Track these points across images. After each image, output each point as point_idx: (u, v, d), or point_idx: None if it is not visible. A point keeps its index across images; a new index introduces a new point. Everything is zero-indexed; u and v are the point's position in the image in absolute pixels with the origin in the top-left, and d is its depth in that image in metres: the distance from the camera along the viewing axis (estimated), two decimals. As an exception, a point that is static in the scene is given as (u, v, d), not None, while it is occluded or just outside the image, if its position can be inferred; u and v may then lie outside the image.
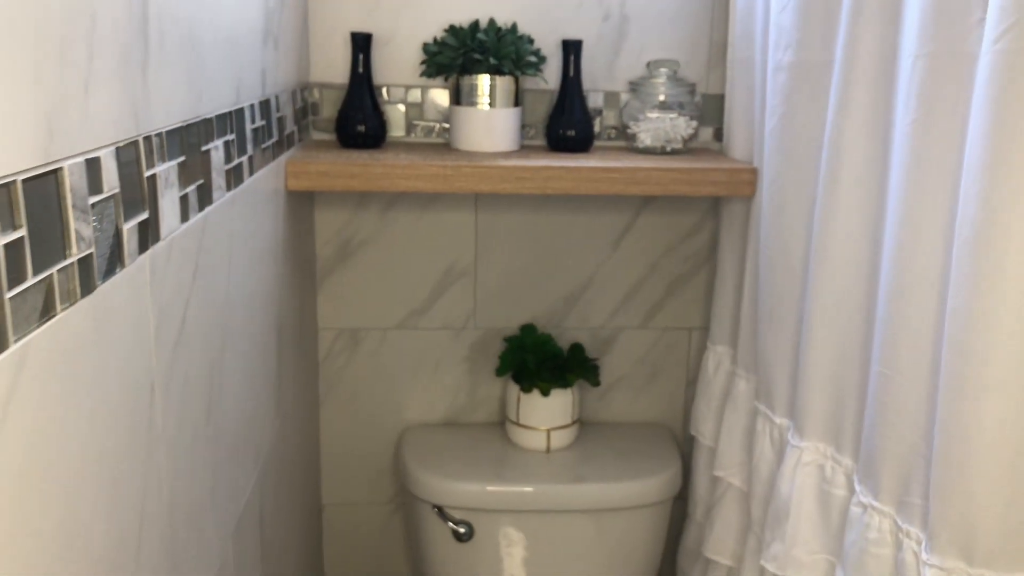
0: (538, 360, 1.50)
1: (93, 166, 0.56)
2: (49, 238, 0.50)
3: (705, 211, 1.59)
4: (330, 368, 1.59)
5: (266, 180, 1.11)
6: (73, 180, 0.53)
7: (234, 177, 0.93)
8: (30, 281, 0.48)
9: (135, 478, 0.64)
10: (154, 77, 0.68)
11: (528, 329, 1.56)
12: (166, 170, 0.71)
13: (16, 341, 0.46)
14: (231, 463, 0.94)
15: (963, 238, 0.82)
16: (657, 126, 1.46)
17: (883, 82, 1.00)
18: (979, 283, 0.79)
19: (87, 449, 0.56)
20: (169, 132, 0.71)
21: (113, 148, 0.59)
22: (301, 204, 1.39)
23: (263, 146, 1.09)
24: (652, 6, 1.51)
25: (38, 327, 0.49)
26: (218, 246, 0.87)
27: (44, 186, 0.49)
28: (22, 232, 0.47)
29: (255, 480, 1.06)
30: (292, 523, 1.33)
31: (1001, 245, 0.78)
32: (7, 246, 0.45)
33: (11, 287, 0.46)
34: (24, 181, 0.47)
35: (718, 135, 1.56)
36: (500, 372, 1.53)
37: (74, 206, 0.53)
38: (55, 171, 0.50)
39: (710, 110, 1.55)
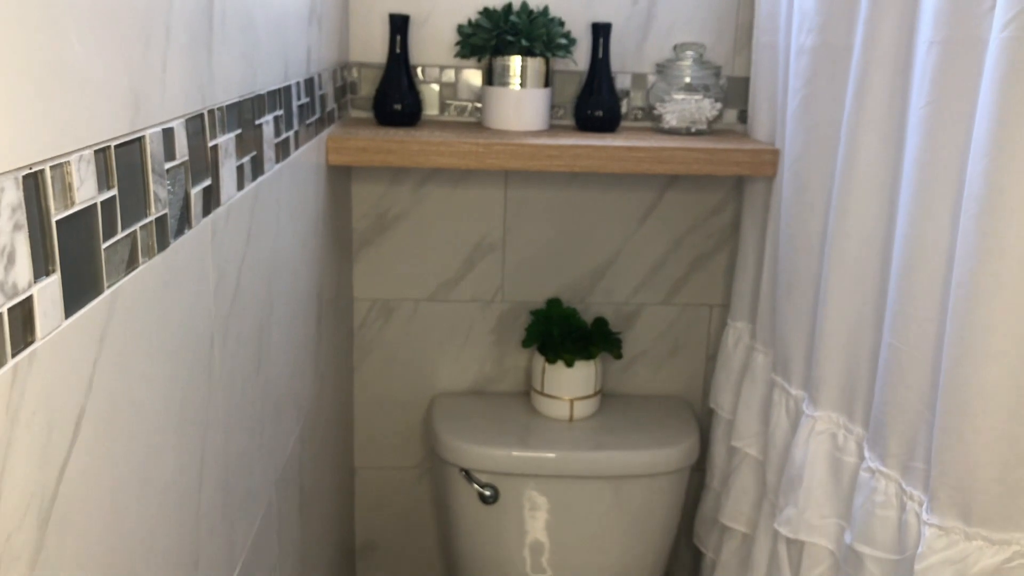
0: (563, 333, 1.56)
1: (168, 136, 0.63)
2: (133, 198, 0.57)
3: (729, 190, 1.64)
4: (364, 337, 1.67)
5: (309, 154, 1.18)
6: (153, 148, 0.59)
7: (282, 150, 1.00)
8: (120, 235, 0.54)
9: (198, 415, 0.71)
10: (217, 55, 0.74)
11: (554, 303, 1.62)
12: (226, 141, 0.77)
13: (109, 287, 0.53)
14: (276, 415, 1.01)
15: (969, 214, 0.86)
16: (683, 107, 1.51)
17: (900, 66, 1.04)
18: (982, 257, 0.84)
19: (161, 384, 0.63)
20: (228, 106, 0.78)
21: (183, 120, 0.66)
22: (339, 178, 1.45)
23: (307, 122, 1.15)
24: (680, -10, 1.55)
25: (125, 276, 0.55)
26: (267, 214, 0.94)
27: (131, 153, 0.56)
28: (114, 192, 0.53)
29: (296, 435, 1.14)
30: (327, 481, 1.41)
31: (1004, 221, 0.82)
32: (103, 203, 0.52)
33: (105, 239, 0.52)
34: (116, 147, 0.53)
35: (742, 117, 1.60)
36: (526, 344, 1.60)
37: (153, 171, 0.60)
38: (139, 139, 0.57)
39: (735, 92, 1.59)
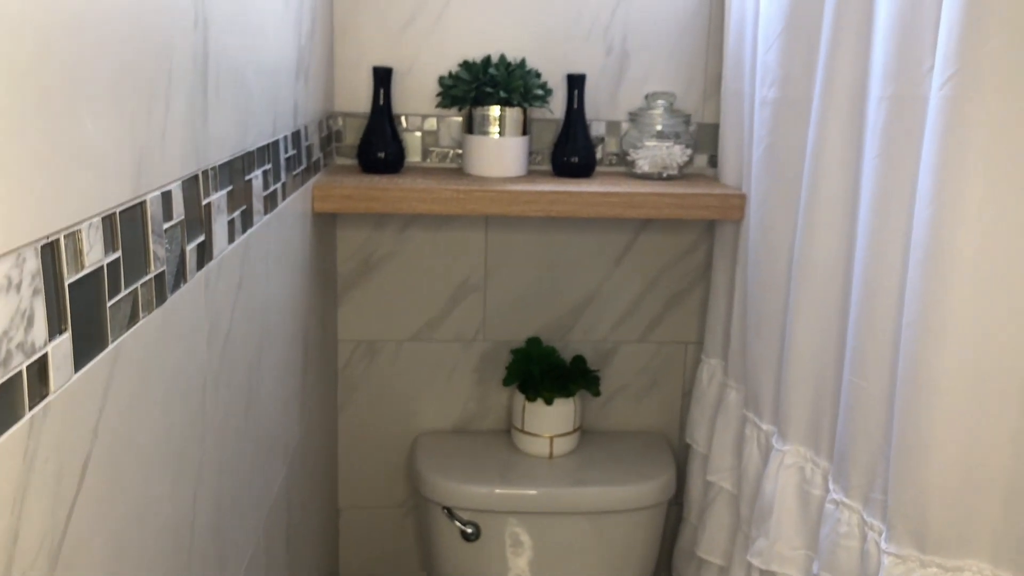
0: (542, 371, 1.61)
1: (167, 198, 0.67)
2: (135, 258, 0.61)
3: (701, 231, 1.70)
4: (349, 377, 1.71)
5: (296, 203, 1.23)
6: (153, 210, 0.64)
7: (270, 202, 1.05)
8: (123, 293, 0.59)
9: (191, 459, 0.75)
10: (212, 118, 0.79)
11: (534, 342, 1.67)
12: (218, 198, 0.82)
13: (113, 341, 0.57)
14: (264, 457, 1.05)
15: (916, 259, 0.92)
16: (654, 154, 1.58)
17: (855, 119, 1.11)
18: (928, 300, 0.90)
19: (158, 430, 0.67)
20: (221, 165, 0.83)
21: (180, 182, 0.71)
22: (325, 223, 1.50)
23: (294, 173, 1.21)
24: (651, 42, 1.62)
25: (127, 330, 0.60)
26: (256, 264, 0.99)
27: (133, 216, 0.61)
28: (118, 254, 0.58)
29: (283, 476, 1.17)
30: (312, 521, 1.44)
31: (947, 266, 0.88)
32: (109, 265, 0.56)
33: (110, 297, 0.57)
34: (121, 212, 0.58)
35: (712, 161, 1.67)
36: (507, 382, 1.64)
37: (153, 231, 0.64)
38: (141, 203, 0.62)
39: (705, 138, 1.66)
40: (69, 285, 0.51)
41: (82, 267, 0.53)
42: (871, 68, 1.06)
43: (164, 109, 0.67)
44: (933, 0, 0.92)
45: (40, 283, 0.47)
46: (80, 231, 0.52)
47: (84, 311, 0.53)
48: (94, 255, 0.54)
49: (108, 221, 0.56)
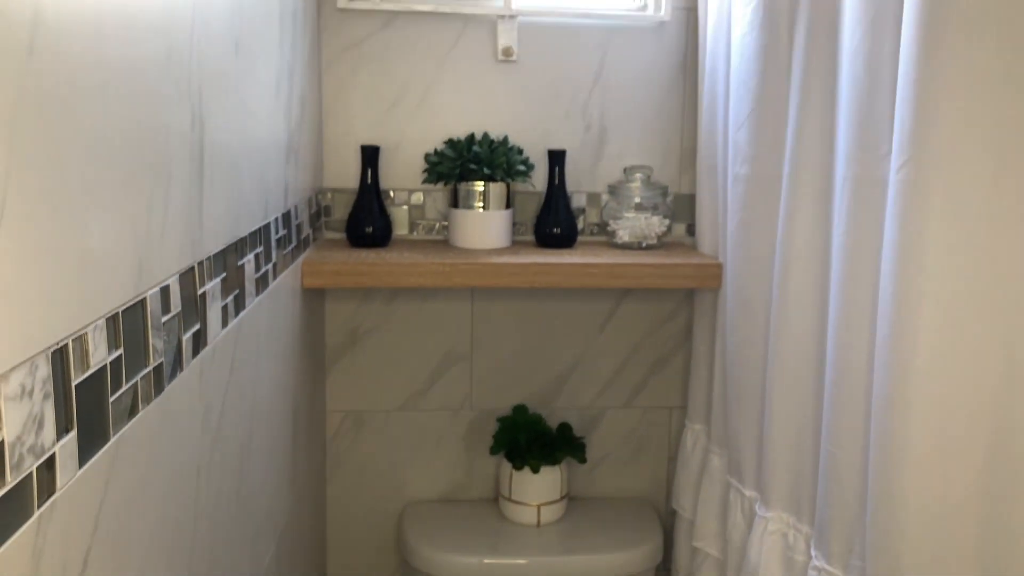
0: (529, 439, 1.63)
1: (165, 292, 0.71)
2: (136, 353, 0.64)
3: (681, 299, 1.75)
4: (337, 448, 1.72)
5: (286, 280, 1.27)
6: (152, 306, 0.68)
7: (262, 283, 1.09)
8: (124, 388, 0.62)
9: (185, 544, 0.77)
10: (207, 211, 0.83)
11: (520, 410, 1.69)
12: (213, 286, 0.86)
13: (114, 435, 0.60)
14: (254, 536, 1.06)
15: (882, 334, 0.96)
16: (634, 224, 1.63)
17: (822, 197, 1.16)
18: (894, 373, 0.94)
19: (154, 517, 0.69)
20: (215, 255, 0.87)
21: (178, 275, 0.74)
22: (314, 297, 1.54)
23: (284, 252, 1.25)
24: (628, 118, 1.69)
25: (127, 423, 0.63)
26: (248, 344, 1.02)
27: (135, 314, 0.64)
28: (120, 351, 0.61)
29: (272, 553, 1.18)
30: (302, 593, 1.44)
31: (910, 340, 0.92)
32: (111, 363, 0.60)
33: (112, 392, 0.60)
34: (123, 312, 0.62)
35: (691, 230, 1.72)
36: (494, 451, 1.66)
37: (152, 326, 0.68)
38: (142, 300, 0.65)
39: (682, 208, 1.72)
40: (76, 386, 0.54)
41: (88, 367, 0.56)
42: (836, 149, 1.12)
43: (164, 208, 0.70)
44: (888, 88, 0.98)
45: (50, 387, 0.50)
46: (87, 333, 0.55)
47: (88, 409, 0.56)
48: (99, 355, 0.57)
49: (112, 321, 0.59)
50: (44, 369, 0.49)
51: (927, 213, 0.91)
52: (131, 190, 0.63)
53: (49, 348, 0.50)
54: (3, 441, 0.45)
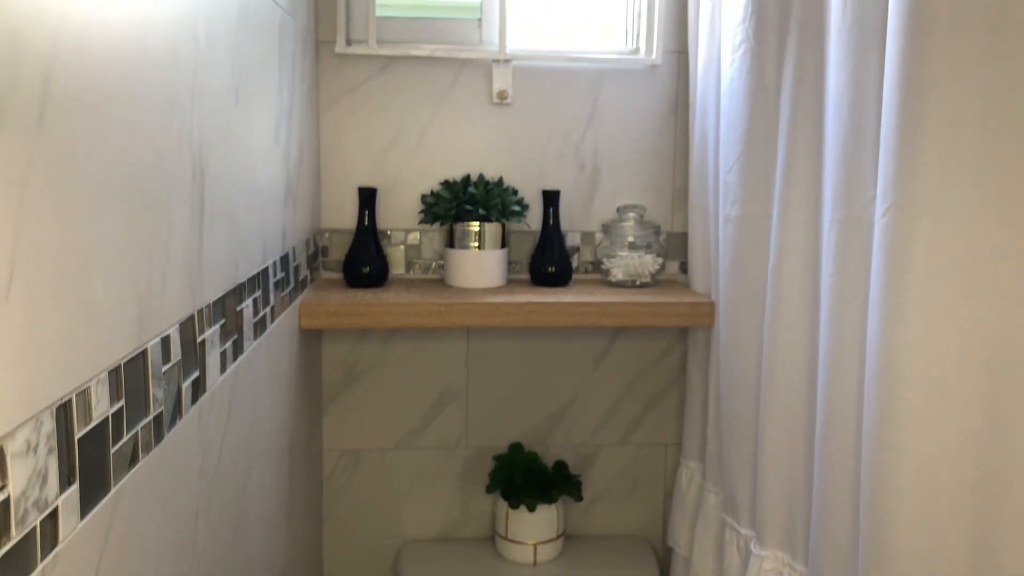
0: (525, 477, 1.63)
1: (165, 342, 0.72)
2: (137, 403, 0.66)
3: (674, 335, 1.76)
4: (333, 487, 1.72)
5: (284, 322, 1.28)
6: (153, 356, 0.69)
7: (260, 327, 1.10)
8: (125, 438, 0.63)
9: (183, 591, 0.78)
10: (206, 259, 0.85)
11: (515, 448, 1.70)
12: (212, 333, 0.87)
13: (115, 485, 0.61)
14: (251, 578, 1.07)
15: (871, 372, 0.98)
16: (627, 263, 1.65)
17: (811, 238, 1.19)
18: (883, 410, 0.95)
19: (152, 564, 0.70)
20: (214, 302, 0.88)
21: (178, 325, 0.76)
22: (311, 337, 1.55)
23: (282, 294, 1.26)
24: (621, 158, 1.72)
25: (127, 472, 0.64)
26: (246, 388, 1.03)
27: (136, 365, 0.65)
28: (122, 402, 0.63)
29: (269, 593, 1.18)
30: (298, 635, 1.44)
31: (898, 378, 0.94)
32: (113, 414, 0.61)
33: (113, 443, 0.61)
34: (125, 364, 0.63)
35: (684, 268, 1.75)
36: (490, 489, 1.67)
37: (153, 376, 0.69)
38: (143, 352, 0.67)
39: (675, 246, 1.74)
40: (79, 440, 0.55)
41: (90, 420, 0.57)
42: (823, 192, 1.14)
43: (165, 259, 0.72)
44: (872, 134, 1.01)
45: (54, 442, 0.51)
46: (90, 387, 0.57)
47: (90, 461, 0.57)
48: (101, 407, 0.59)
49: (114, 374, 0.61)
50: (49, 424, 0.51)
51: (911, 256, 0.93)
52: (134, 244, 0.65)
53: (54, 404, 0.52)
54: (8, 497, 0.46)
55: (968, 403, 0.91)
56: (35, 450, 0.49)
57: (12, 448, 0.46)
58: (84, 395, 0.56)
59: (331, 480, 1.72)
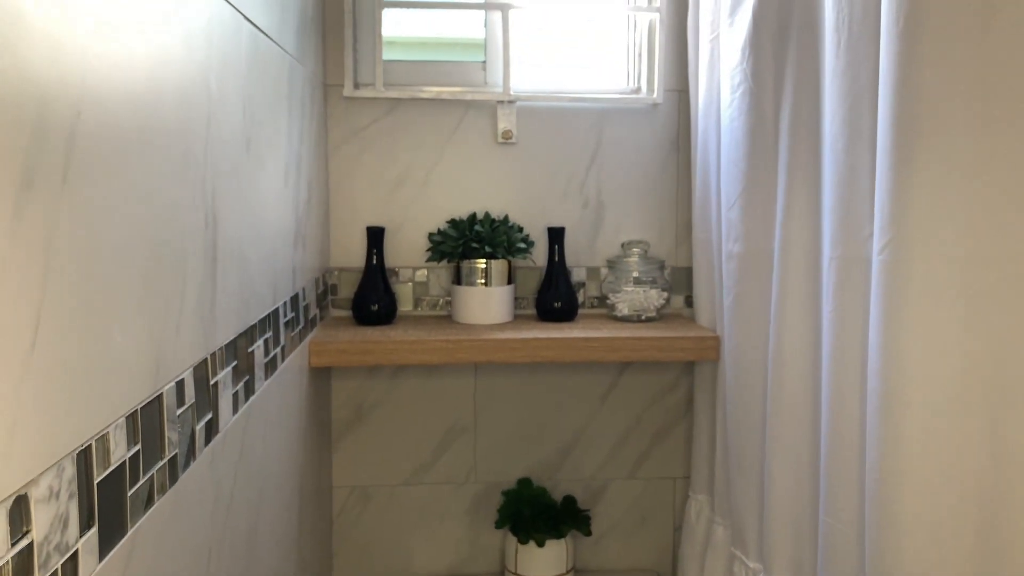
0: (534, 513, 1.64)
1: (180, 386, 0.75)
2: (153, 446, 0.68)
3: (681, 370, 1.78)
4: (343, 524, 1.73)
5: (294, 361, 1.30)
6: (168, 400, 0.71)
7: (270, 367, 1.12)
8: (141, 481, 0.65)
9: (196, 631, 0.79)
10: (219, 304, 0.88)
11: (524, 483, 1.71)
12: (224, 375, 0.89)
13: (131, 527, 0.63)
14: (262, 616, 1.08)
15: (872, 407, 0.99)
16: (633, 298, 1.67)
17: (811, 275, 1.21)
18: (885, 445, 0.96)
19: (167, 608, 0.72)
20: (227, 344, 0.91)
21: (192, 369, 0.78)
22: (320, 374, 1.57)
23: (292, 333, 1.29)
24: (625, 194, 1.74)
25: (144, 514, 0.66)
26: (257, 428, 1.05)
27: (152, 410, 0.68)
28: (139, 446, 0.65)
29: (279, 632, 1.19)
30: (308, 673, 1.44)
31: (899, 412, 0.95)
32: (130, 458, 0.63)
33: (130, 486, 0.63)
34: (142, 408, 0.65)
35: (689, 302, 1.76)
36: (499, 525, 1.67)
37: (168, 420, 0.71)
38: (159, 396, 0.69)
39: (680, 281, 1.76)
40: (98, 484, 0.57)
41: (108, 464, 0.59)
42: (822, 230, 1.16)
43: (180, 306, 0.75)
44: (868, 173, 1.03)
45: (75, 487, 0.54)
46: (109, 433, 0.59)
47: (109, 504, 0.59)
48: (119, 452, 0.61)
49: (131, 419, 0.63)
50: (70, 470, 0.53)
51: (908, 292, 0.94)
52: (151, 293, 0.68)
53: (75, 450, 0.54)
54: (32, 542, 0.48)
55: (968, 435, 0.92)
56: (57, 496, 0.51)
57: (36, 494, 0.49)
58: (103, 440, 0.58)
59: (341, 516, 1.73)
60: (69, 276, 0.53)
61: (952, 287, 0.92)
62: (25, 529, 0.48)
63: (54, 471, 0.51)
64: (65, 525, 0.52)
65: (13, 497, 0.46)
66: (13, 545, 0.46)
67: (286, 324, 1.24)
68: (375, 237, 1.63)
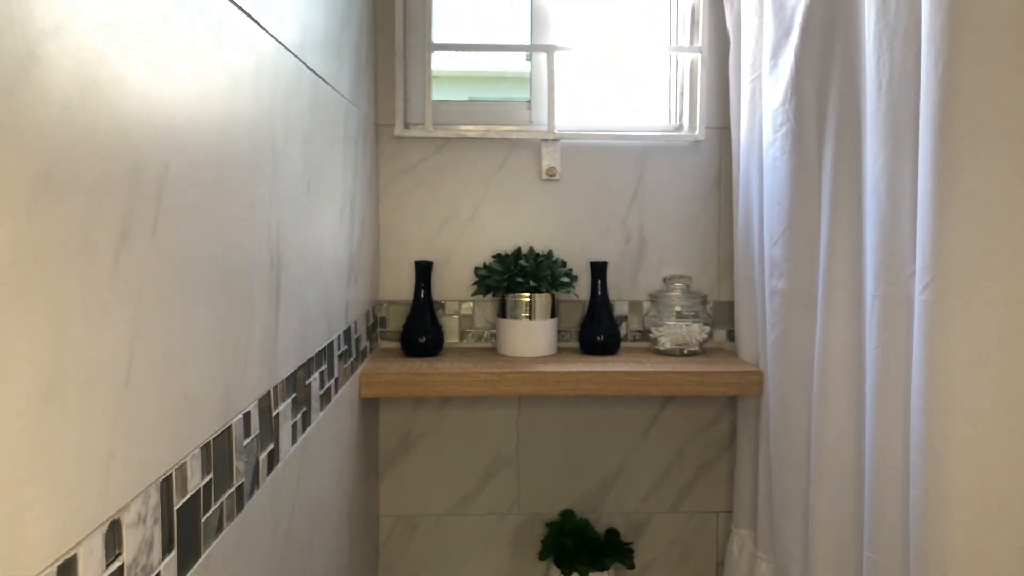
0: (577, 545, 1.66)
1: (247, 418, 0.79)
2: (222, 475, 0.72)
3: (724, 403, 1.79)
4: (389, 552, 1.77)
5: (346, 393, 1.35)
6: (236, 432, 0.76)
7: (325, 398, 1.17)
8: (213, 508, 0.69)
9: (257, 653, 0.83)
10: (280, 339, 0.92)
11: (567, 515, 1.73)
12: (285, 407, 0.94)
13: (204, 552, 0.67)
14: (314, 641, 1.11)
15: (915, 444, 1.00)
16: (675, 332, 1.69)
17: (855, 312, 1.22)
18: (928, 482, 0.97)
19: (232, 629, 0.75)
20: (287, 378, 0.95)
21: (256, 401, 0.83)
22: (369, 405, 1.61)
23: (345, 365, 1.33)
24: (667, 229, 1.77)
25: (215, 540, 0.70)
26: (312, 458, 1.09)
27: (223, 441, 0.72)
28: (211, 475, 0.69)
29: (329, 657, 1.22)
30: None
31: (942, 450, 0.96)
32: (204, 486, 0.67)
33: (204, 513, 0.67)
34: (214, 440, 0.70)
35: (731, 336, 1.78)
36: (542, 556, 1.69)
37: (236, 450, 0.76)
38: (228, 428, 0.74)
39: (722, 315, 1.78)
40: (177, 510, 0.61)
41: (186, 492, 0.63)
42: (865, 268, 1.18)
43: (248, 343, 0.79)
44: (910, 213, 1.05)
45: (158, 513, 0.58)
46: (186, 463, 0.63)
47: (186, 529, 0.63)
48: (194, 480, 0.65)
49: (205, 449, 0.68)
50: (155, 497, 0.57)
51: (950, 332, 0.96)
52: (223, 331, 0.72)
53: (159, 479, 0.58)
54: (123, 564, 0.52)
55: (1013, 474, 0.92)
56: (144, 521, 0.55)
57: (127, 519, 0.53)
58: (182, 470, 0.62)
59: (387, 545, 1.77)
60: (155, 318, 0.58)
61: (993, 327, 0.93)
62: (117, 551, 0.52)
63: (142, 498, 0.55)
64: (150, 548, 0.56)
65: (108, 522, 0.51)
66: (107, 566, 0.51)
67: (339, 356, 1.28)
68: (423, 272, 1.68)
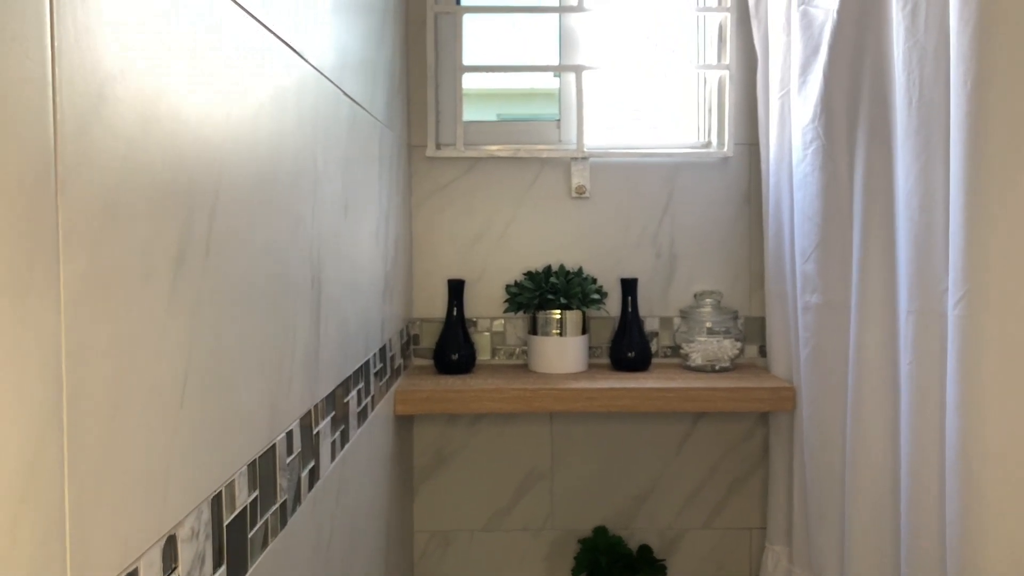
0: (610, 561, 1.66)
1: (290, 436, 0.81)
2: (267, 492, 0.74)
3: (757, 419, 1.78)
4: (424, 568, 1.78)
5: (382, 410, 1.37)
6: (280, 450, 0.78)
7: (362, 416, 1.19)
8: (258, 524, 0.71)
9: (300, 667, 0.85)
10: (321, 359, 0.94)
11: (600, 531, 1.73)
12: (324, 425, 0.96)
13: (251, 566, 0.69)
14: (353, 656, 1.12)
15: (951, 462, 1.00)
16: (706, 348, 1.69)
17: (889, 327, 1.22)
18: (965, 500, 0.97)
19: (277, 643, 0.77)
20: (327, 396, 0.97)
21: (298, 420, 0.85)
22: (403, 421, 1.63)
23: (380, 383, 1.35)
24: (697, 245, 1.78)
25: (260, 555, 0.72)
26: (350, 474, 1.11)
27: (268, 459, 0.74)
28: (257, 492, 0.71)
29: (367, 672, 1.24)
30: None
31: (978, 468, 0.96)
32: (250, 503, 0.69)
33: (250, 529, 0.69)
34: (259, 458, 0.72)
35: (763, 351, 1.77)
36: (576, 572, 1.69)
37: (280, 468, 0.78)
38: (273, 446, 0.76)
39: (753, 330, 1.78)
40: (226, 526, 0.63)
41: (234, 509, 0.65)
42: (898, 284, 1.18)
43: (291, 363, 0.82)
44: (942, 228, 1.05)
45: (210, 529, 0.60)
46: (235, 480, 0.65)
47: (234, 545, 0.65)
48: (242, 497, 0.67)
49: (251, 467, 0.70)
50: (206, 513, 0.59)
51: (984, 347, 0.96)
52: (269, 351, 0.74)
53: (210, 496, 0.60)
54: (179, 578, 0.54)
55: (1053, 493, 0.92)
56: (197, 536, 0.57)
57: (182, 534, 0.55)
58: (231, 487, 0.65)
59: (422, 561, 1.78)
60: (207, 340, 0.60)
61: (1030, 342, 0.93)
62: (173, 566, 0.54)
63: (195, 514, 0.57)
64: (202, 563, 0.58)
65: (166, 537, 0.53)
66: (164, 580, 0.53)
67: (376, 374, 1.30)
68: (455, 290, 1.70)
